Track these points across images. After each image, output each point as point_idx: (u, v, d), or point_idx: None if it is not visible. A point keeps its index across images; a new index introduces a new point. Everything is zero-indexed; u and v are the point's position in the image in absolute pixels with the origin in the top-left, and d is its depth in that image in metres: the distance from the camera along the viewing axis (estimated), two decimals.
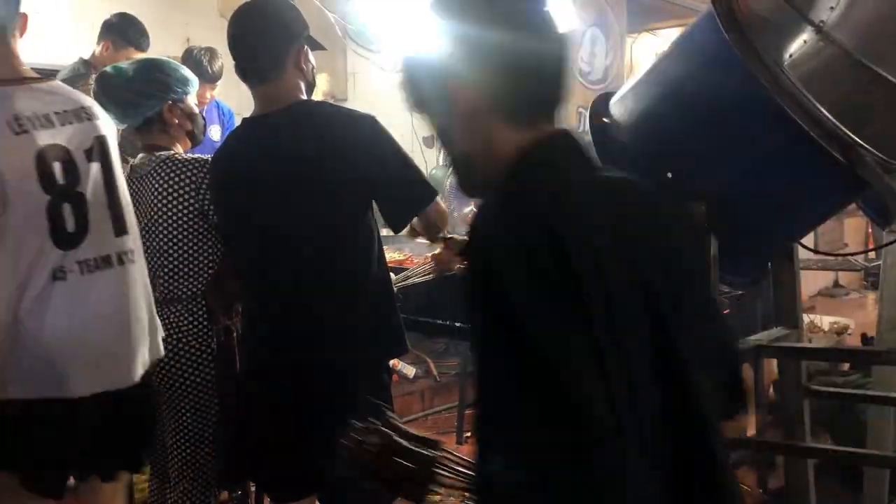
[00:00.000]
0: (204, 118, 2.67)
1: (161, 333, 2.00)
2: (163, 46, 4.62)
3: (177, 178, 2.20)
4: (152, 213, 2.22)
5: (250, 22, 2.08)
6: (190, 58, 4.00)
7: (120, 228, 1.86)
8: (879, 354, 1.99)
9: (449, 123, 1.06)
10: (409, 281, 2.65)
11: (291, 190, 1.97)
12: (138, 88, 2.26)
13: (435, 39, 1.09)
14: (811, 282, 8.12)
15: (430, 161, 5.79)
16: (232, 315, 2.29)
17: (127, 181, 2.19)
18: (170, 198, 2.20)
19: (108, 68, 2.33)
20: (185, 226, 2.21)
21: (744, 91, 1.47)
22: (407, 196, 2.01)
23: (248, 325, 2.17)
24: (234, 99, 4.31)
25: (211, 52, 4.06)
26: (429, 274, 2.63)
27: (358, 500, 2.10)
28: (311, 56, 2.10)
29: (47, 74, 2.24)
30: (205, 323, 2.24)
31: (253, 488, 2.97)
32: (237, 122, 4.08)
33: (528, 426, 0.88)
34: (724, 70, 1.51)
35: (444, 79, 1.03)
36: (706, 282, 1.29)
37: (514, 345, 0.89)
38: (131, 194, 2.17)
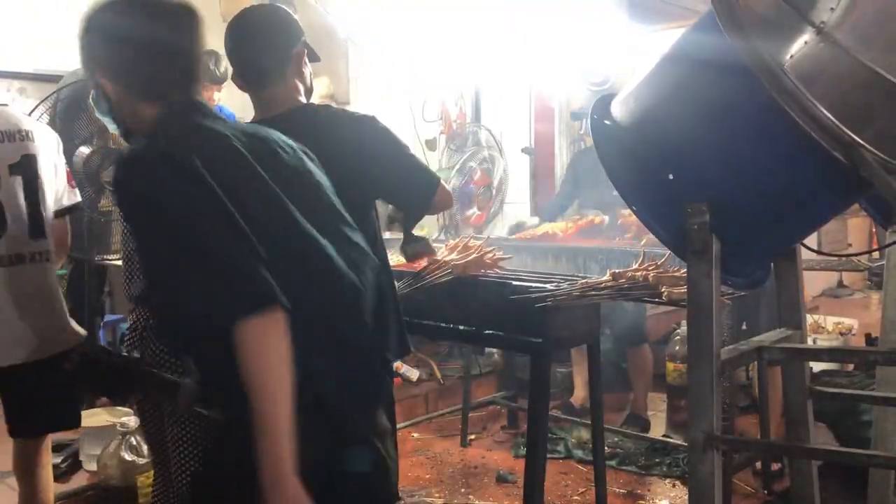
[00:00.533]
0: None
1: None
2: None
3: None
4: None
5: (251, 27, 2.10)
6: None
7: (37, 232, 2.30)
8: (883, 355, 1.98)
9: (110, 108, 1.54)
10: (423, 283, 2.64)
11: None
12: None
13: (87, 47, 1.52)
14: (815, 282, 8.13)
15: (432, 164, 5.80)
16: None
17: None
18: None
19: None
20: None
21: (745, 91, 1.47)
22: (418, 184, 2.07)
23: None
24: (238, 101, 4.34)
25: (216, 55, 4.08)
26: (443, 276, 2.63)
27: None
28: (307, 61, 2.12)
29: (49, 79, 2.45)
30: None
31: None
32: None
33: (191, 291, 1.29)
34: (724, 70, 1.50)
35: (96, 78, 1.50)
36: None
37: (175, 237, 1.29)
38: None
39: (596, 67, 5.61)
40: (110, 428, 3.13)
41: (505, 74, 5.58)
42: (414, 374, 4.90)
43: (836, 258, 3.01)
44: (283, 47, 2.03)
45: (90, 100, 2.37)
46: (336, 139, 1.98)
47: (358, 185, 1.95)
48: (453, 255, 2.62)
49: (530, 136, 5.67)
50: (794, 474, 1.97)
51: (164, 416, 2.27)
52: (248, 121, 2.13)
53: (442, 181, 2.14)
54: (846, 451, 2.26)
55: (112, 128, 2.44)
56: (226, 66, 4.07)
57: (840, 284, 8.71)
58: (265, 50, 2.03)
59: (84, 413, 3.34)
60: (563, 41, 5.38)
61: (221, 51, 3.99)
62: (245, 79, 2.07)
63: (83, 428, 3.21)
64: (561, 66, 5.49)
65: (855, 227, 8.12)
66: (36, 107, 3.32)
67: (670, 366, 4.42)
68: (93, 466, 3.14)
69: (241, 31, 2.06)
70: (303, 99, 2.09)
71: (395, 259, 2.56)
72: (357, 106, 5.73)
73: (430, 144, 5.94)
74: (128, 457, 2.99)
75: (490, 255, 2.63)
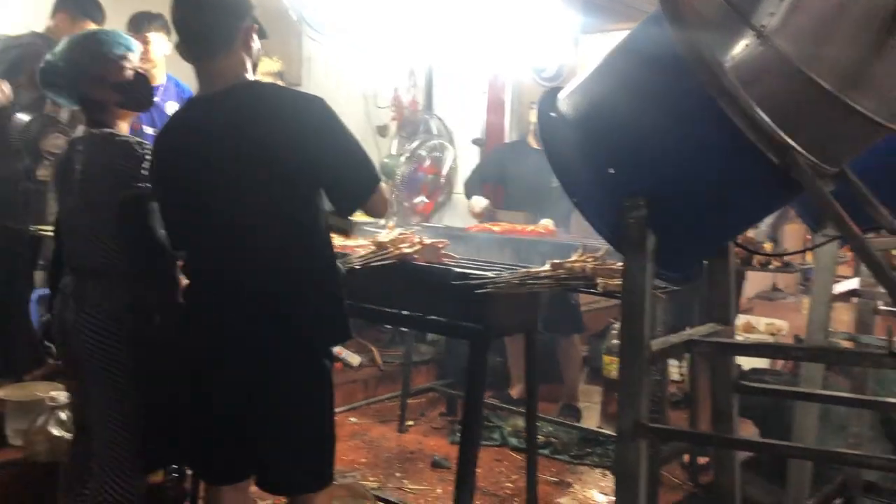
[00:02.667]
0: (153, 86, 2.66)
1: None
2: (118, 19, 4.52)
3: (104, 155, 2.22)
4: (81, 186, 2.25)
5: (195, 2, 2.04)
6: (140, 22, 3.91)
7: None
8: (804, 351, 2.06)
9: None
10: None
11: (237, 170, 1.96)
12: (62, 74, 2.27)
13: None
14: (751, 284, 8.36)
15: (382, 149, 5.79)
16: (153, 290, 2.29)
17: (68, 150, 2.23)
18: (97, 172, 2.22)
19: (48, 56, 2.32)
20: (107, 202, 2.23)
21: (685, 90, 1.50)
22: (355, 180, 2.02)
23: (188, 306, 2.15)
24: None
25: (163, 17, 4.00)
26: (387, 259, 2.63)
27: (294, 484, 2.11)
28: (256, 38, 2.08)
29: None
30: (127, 297, 2.24)
31: (189, 471, 2.95)
32: None
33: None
34: (667, 68, 1.54)
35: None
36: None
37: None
38: (66, 166, 2.22)
39: (548, 62, 5.67)
40: (38, 402, 3.05)
41: (459, 65, 5.59)
42: (355, 359, 4.91)
43: (769, 260, 3.11)
44: (231, 20, 2.00)
45: (41, 66, 2.30)
46: (284, 118, 1.96)
47: (301, 166, 1.94)
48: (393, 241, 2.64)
49: (482, 127, 5.69)
50: (718, 466, 2.04)
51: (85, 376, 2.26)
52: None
53: (383, 185, 2.09)
54: (766, 442, 2.34)
55: (63, 103, 2.41)
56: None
57: (774, 288, 8.97)
58: (213, 21, 1.99)
59: (11, 387, 3.27)
60: (517, 35, 5.41)
61: None
62: (190, 50, 2.03)
63: (9, 401, 3.14)
64: (514, 59, 5.52)
65: (792, 233, 8.37)
66: None
67: (606, 359, 4.51)
68: (18, 441, 3.07)
69: (189, 3, 2.03)
70: (249, 75, 2.06)
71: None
72: (309, 88, 5.69)
73: (382, 131, 5.93)
74: (56, 432, 2.93)
75: (441, 246, 2.67)
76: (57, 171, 2.41)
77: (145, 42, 3.72)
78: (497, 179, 4.88)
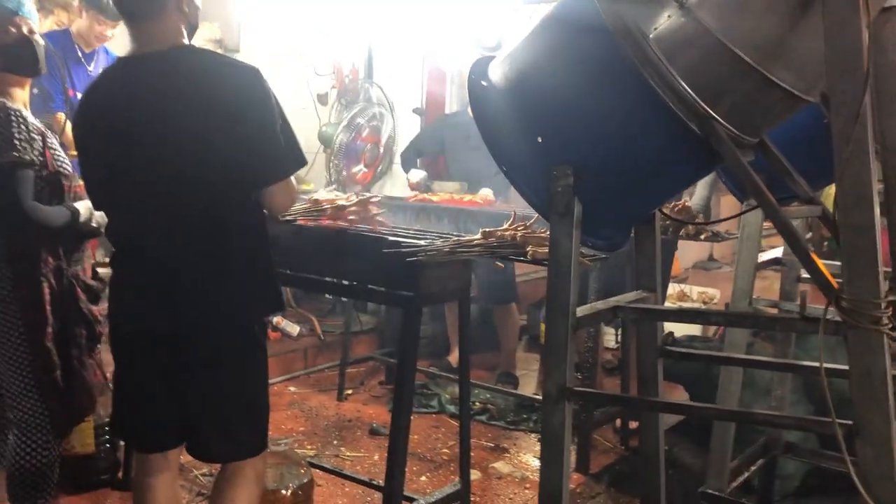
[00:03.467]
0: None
1: None
2: None
3: None
4: None
5: None
6: None
7: None
8: (725, 316, 2.12)
9: None
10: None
11: (164, 135, 1.92)
12: None
13: None
14: (689, 254, 8.56)
15: (322, 117, 5.73)
16: (40, 266, 2.27)
17: None
18: None
19: None
20: None
21: (609, 59, 1.53)
22: (266, 160, 1.95)
23: (114, 271, 2.12)
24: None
25: None
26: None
27: (224, 453, 2.11)
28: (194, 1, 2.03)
29: None
30: (7, 274, 2.24)
31: (121, 441, 2.92)
32: None
33: None
34: (593, 37, 1.55)
35: None
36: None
37: None
38: None
39: (488, 31, 5.65)
40: None
41: (399, 33, 5.54)
42: (294, 329, 4.89)
43: (700, 230, 3.18)
44: None
45: None
46: (214, 83, 1.93)
47: (229, 134, 1.90)
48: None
49: (422, 97, 5.67)
50: (642, 429, 2.10)
51: None
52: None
53: (292, 180, 2.04)
54: (684, 405, 2.42)
55: None
56: None
57: (710, 258, 9.19)
58: None
59: None
60: (458, 3, 5.38)
61: None
62: (124, 9, 1.98)
63: None
64: (454, 28, 5.50)
65: (728, 204, 8.57)
66: None
67: (543, 327, 4.57)
68: None
69: None
70: (185, 38, 2.01)
71: None
72: (246, 55, 5.57)
73: (322, 99, 5.86)
74: None
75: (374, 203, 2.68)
76: None
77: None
78: (437, 151, 4.87)
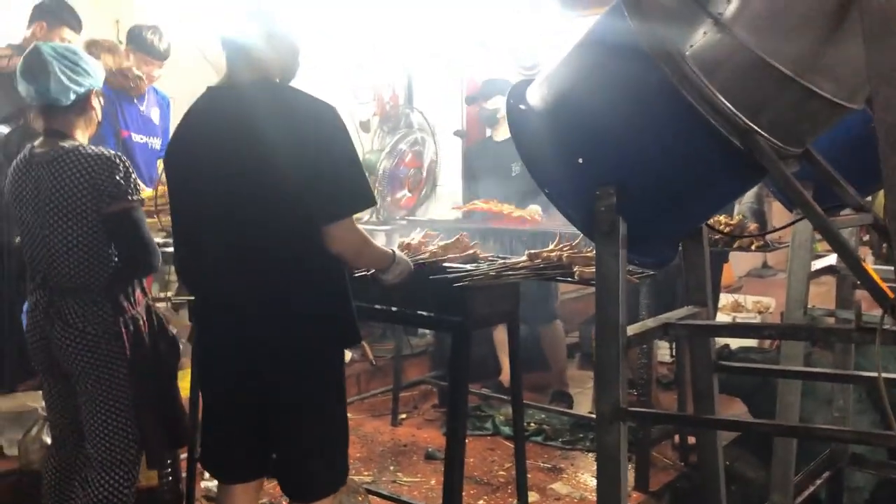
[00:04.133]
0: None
1: None
2: (91, 29, 4.53)
3: (81, 171, 2.24)
4: (54, 203, 2.25)
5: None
6: (138, 35, 3.96)
7: None
8: (777, 329, 2.09)
9: None
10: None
11: (241, 167, 1.97)
12: (81, 66, 2.29)
13: None
14: (742, 263, 8.43)
15: (365, 145, 5.80)
16: (135, 304, 2.33)
17: (24, 166, 2.23)
18: (74, 189, 2.23)
19: (47, 43, 2.34)
20: (89, 217, 2.25)
21: (648, 78, 1.53)
22: (332, 196, 1.97)
23: (197, 306, 2.18)
24: (175, 80, 4.27)
25: (158, 30, 4.02)
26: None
27: (310, 485, 2.13)
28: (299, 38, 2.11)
29: None
30: (111, 313, 2.27)
31: (184, 473, 2.98)
32: (174, 109, 4.05)
33: None
34: (630, 58, 1.56)
35: None
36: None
37: None
38: (27, 181, 2.22)
39: (526, 51, 5.68)
40: (31, 412, 3.08)
41: (437, 57, 5.60)
42: (346, 355, 4.91)
43: (751, 241, 3.14)
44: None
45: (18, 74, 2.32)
46: (281, 120, 1.95)
47: (293, 172, 1.93)
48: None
49: (462, 119, 5.70)
50: (701, 446, 2.07)
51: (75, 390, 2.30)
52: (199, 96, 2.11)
53: (355, 220, 2.02)
54: (743, 421, 2.38)
55: (32, 93, 2.41)
56: (168, 42, 4.03)
57: (765, 265, 9.03)
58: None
59: (4, 398, 3.29)
60: (495, 24, 5.42)
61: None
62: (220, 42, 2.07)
63: (2, 412, 3.16)
64: (492, 49, 5.54)
65: (778, 209, 8.42)
66: None
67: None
68: (14, 451, 3.09)
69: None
70: (273, 73, 2.07)
71: None
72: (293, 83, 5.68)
73: (364, 126, 5.93)
74: (49, 441, 2.95)
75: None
76: (14, 187, 2.38)
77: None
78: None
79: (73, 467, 2.48)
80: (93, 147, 2.30)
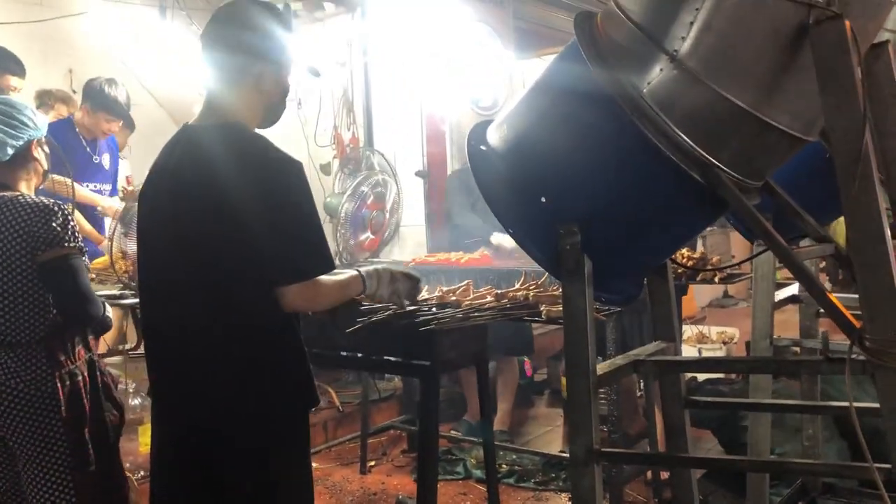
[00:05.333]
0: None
1: None
2: (44, 79, 4.48)
3: (15, 220, 2.20)
4: None
5: (222, 25, 1.97)
6: (97, 92, 3.95)
7: None
8: (746, 363, 2.09)
9: None
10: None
11: (185, 211, 1.89)
12: (18, 119, 2.26)
13: None
14: (703, 293, 8.52)
15: (326, 188, 5.77)
16: (74, 359, 2.25)
17: None
18: (7, 239, 2.19)
19: None
20: (24, 270, 2.19)
21: (606, 117, 1.53)
22: (287, 258, 1.86)
23: (148, 362, 2.07)
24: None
25: (115, 82, 4.02)
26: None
27: None
28: (285, 80, 2.02)
29: None
30: (46, 369, 2.20)
31: None
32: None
33: None
34: (587, 97, 1.57)
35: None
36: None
37: None
38: None
39: (483, 91, 5.73)
40: None
41: (397, 98, 5.63)
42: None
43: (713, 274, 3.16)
44: (246, 59, 1.95)
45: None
46: (243, 168, 1.87)
47: (245, 226, 1.84)
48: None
49: (423, 160, 5.72)
50: (675, 483, 2.04)
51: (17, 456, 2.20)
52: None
53: (321, 280, 1.89)
54: (716, 459, 2.37)
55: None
56: (126, 94, 4.01)
57: (726, 294, 9.14)
58: (225, 55, 1.96)
59: None
60: (453, 66, 5.48)
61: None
62: (204, 76, 1.99)
63: None
64: (450, 90, 5.58)
65: (738, 240, 8.55)
66: None
67: (565, 381, 4.51)
68: None
69: (216, 24, 1.97)
70: (248, 118, 1.99)
71: None
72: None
73: (325, 169, 5.91)
74: None
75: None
76: None
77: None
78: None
79: None
80: (32, 196, 2.26)
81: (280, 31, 1.97)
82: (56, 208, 2.22)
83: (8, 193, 2.24)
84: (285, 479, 1.96)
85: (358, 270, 2.10)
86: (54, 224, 2.19)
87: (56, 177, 3.02)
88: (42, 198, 2.26)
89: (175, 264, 1.91)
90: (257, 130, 2.01)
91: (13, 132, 2.23)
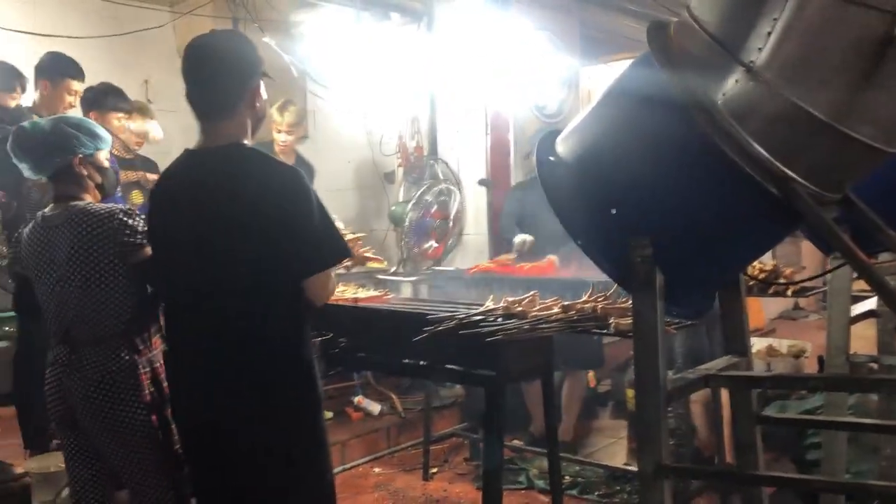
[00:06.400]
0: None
1: None
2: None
3: (93, 227, 2.29)
4: (71, 260, 2.30)
5: (205, 61, 2.09)
6: (42, 63, 4.04)
7: None
8: (824, 381, 2.03)
9: None
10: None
11: (202, 226, 2.05)
12: (50, 141, 2.37)
13: None
14: (772, 305, 8.29)
15: (391, 197, 5.82)
16: (151, 347, 2.37)
17: (39, 230, 2.29)
18: (88, 245, 2.29)
19: (25, 124, 2.47)
20: (105, 270, 2.29)
21: (681, 128, 1.51)
22: (307, 251, 2.03)
23: (171, 364, 2.21)
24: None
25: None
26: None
27: None
28: (263, 91, 2.13)
29: None
30: (128, 358, 2.31)
31: None
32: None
33: None
34: (660, 108, 1.55)
35: None
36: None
37: None
38: (43, 243, 2.28)
39: (548, 99, 5.70)
40: (63, 473, 3.05)
41: (460, 107, 5.64)
42: (375, 407, 4.89)
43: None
44: (238, 83, 2.05)
45: (19, 129, 2.42)
46: (257, 183, 2.01)
47: (267, 230, 1.98)
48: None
49: (486, 168, 5.72)
50: (745, 498, 2.00)
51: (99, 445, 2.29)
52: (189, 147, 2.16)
53: (331, 273, 2.12)
54: (790, 478, 2.29)
55: (25, 170, 2.46)
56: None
57: (796, 307, 8.88)
58: (223, 87, 2.05)
59: (37, 458, 3.28)
60: (518, 74, 5.46)
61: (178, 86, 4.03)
62: (197, 109, 2.09)
63: (34, 473, 3.14)
64: (514, 98, 5.57)
65: (809, 250, 8.31)
66: None
67: (630, 392, 4.45)
68: None
69: (199, 61, 2.07)
70: (246, 136, 2.11)
71: None
72: (316, 140, 5.75)
73: (389, 177, 5.97)
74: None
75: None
76: (30, 250, 2.43)
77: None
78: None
79: None
80: (101, 204, 2.40)
81: (252, 47, 2.15)
82: (129, 212, 2.36)
83: (80, 203, 2.35)
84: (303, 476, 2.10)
85: None
86: (135, 225, 2.32)
87: None
88: (111, 204, 2.42)
89: (201, 275, 2.05)
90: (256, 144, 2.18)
91: (47, 154, 2.38)
